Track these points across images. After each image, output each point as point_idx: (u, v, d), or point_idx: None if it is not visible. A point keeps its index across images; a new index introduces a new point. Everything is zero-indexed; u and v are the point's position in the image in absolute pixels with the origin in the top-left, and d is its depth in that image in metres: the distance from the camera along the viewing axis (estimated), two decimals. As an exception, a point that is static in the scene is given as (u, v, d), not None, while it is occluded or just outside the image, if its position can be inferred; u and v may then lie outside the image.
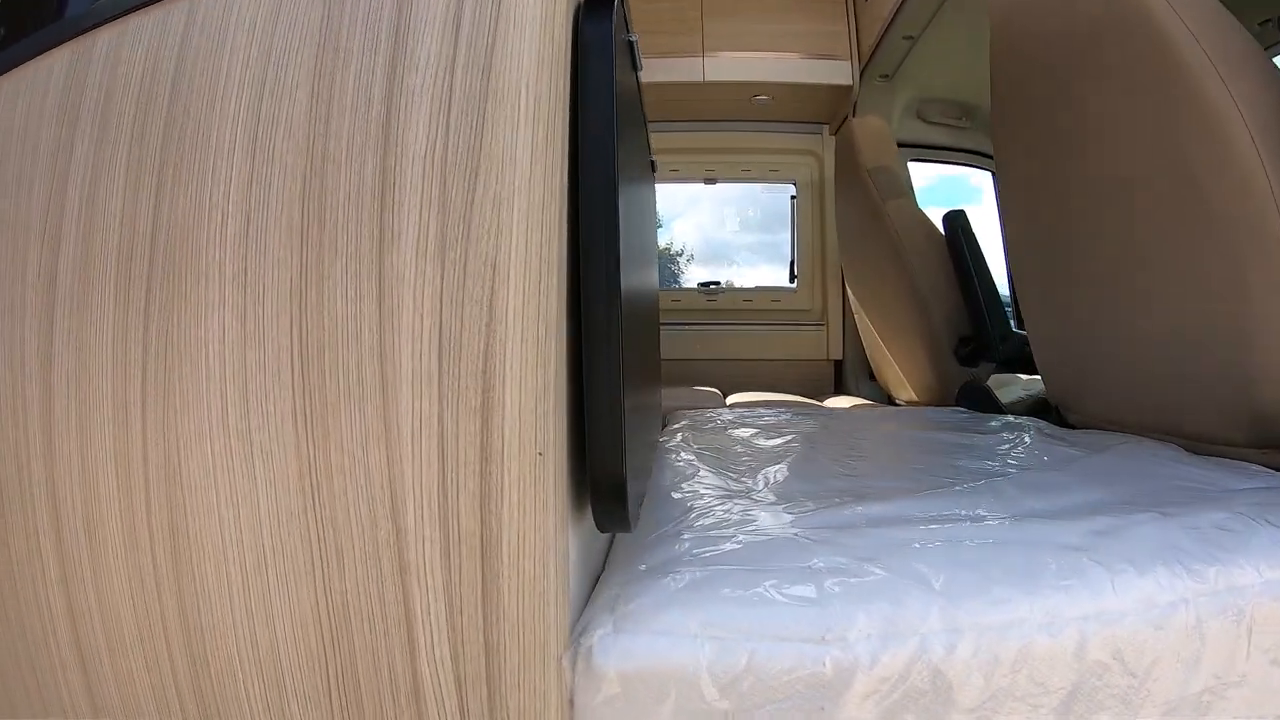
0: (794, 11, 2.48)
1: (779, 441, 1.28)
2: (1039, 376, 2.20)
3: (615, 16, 0.60)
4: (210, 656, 0.61)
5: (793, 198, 2.77)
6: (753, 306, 2.83)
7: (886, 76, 2.45)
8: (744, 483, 0.98)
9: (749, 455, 1.18)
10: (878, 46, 2.31)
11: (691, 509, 0.83)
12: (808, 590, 0.60)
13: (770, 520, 0.78)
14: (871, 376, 2.65)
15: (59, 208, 0.66)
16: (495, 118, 0.52)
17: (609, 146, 0.56)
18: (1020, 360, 1.97)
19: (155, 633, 0.63)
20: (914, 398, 2.29)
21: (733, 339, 2.78)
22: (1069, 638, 0.58)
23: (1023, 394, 2.11)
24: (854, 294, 2.52)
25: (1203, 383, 1.05)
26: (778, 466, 1.05)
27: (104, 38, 0.67)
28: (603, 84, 0.56)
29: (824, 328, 2.76)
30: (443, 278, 0.52)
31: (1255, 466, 0.91)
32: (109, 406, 0.63)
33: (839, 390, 2.77)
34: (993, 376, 2.06)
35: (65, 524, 0.65)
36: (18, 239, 0.69)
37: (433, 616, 0.54)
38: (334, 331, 0.55)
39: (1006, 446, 1.18)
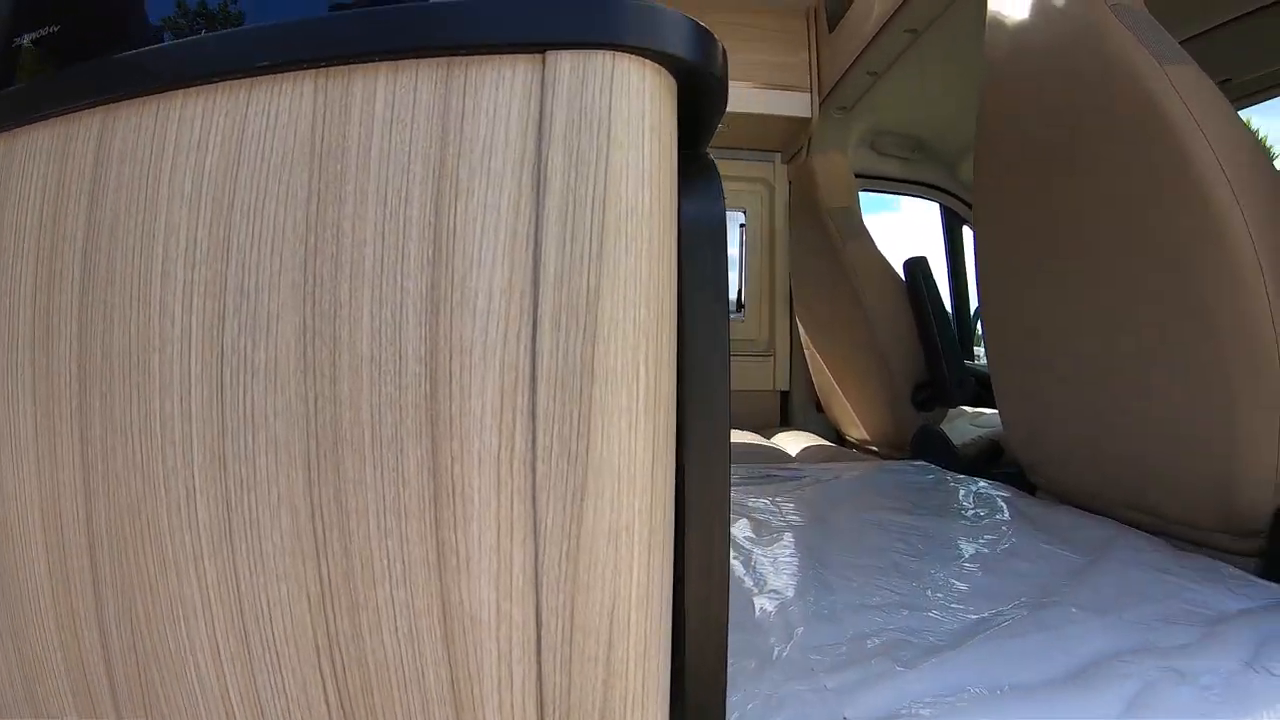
0: (756, 41, 2.36)
1: (774, 550, 1.18)
2: (983, 410, 2.22)
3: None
4: None
5: (742, 225, 2.67)
6: (698, 336, 2.71)
7: (845, 109, 2.37)
8: (761, 626, 0.89)
9: (745, 570, 1.09)
10: (840, 81, 2.22)
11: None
12: None
13: (819, 709, 0.69)
14: (818, 407, 2.60)
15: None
16: (604, 406, 0.36)
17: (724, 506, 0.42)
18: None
19: None
20: (865, 436, 2.25)
21: (677, 368, 2.65)
22: None
23: (973, 432, 2.12)
24: (805, 329, 2.46)
25: (1180, 471, 1.07)
26: (791, 599, 0.96)
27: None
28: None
29: (771, 358, 2.69)
30: (539, 625, 0.37)
31: (1234, 571, 0.94)
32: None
33: (785, 421, 2.71)
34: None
35: None
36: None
37: None
38: (383, 674, 0.39)
39: (1000, 538, 1.15)
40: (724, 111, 0.48)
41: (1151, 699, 0.67)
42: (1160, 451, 1.09)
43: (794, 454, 2.14)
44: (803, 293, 2.43)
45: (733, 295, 2.74)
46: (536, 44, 0.38)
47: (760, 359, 2.68)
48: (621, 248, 0.36)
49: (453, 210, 0.37)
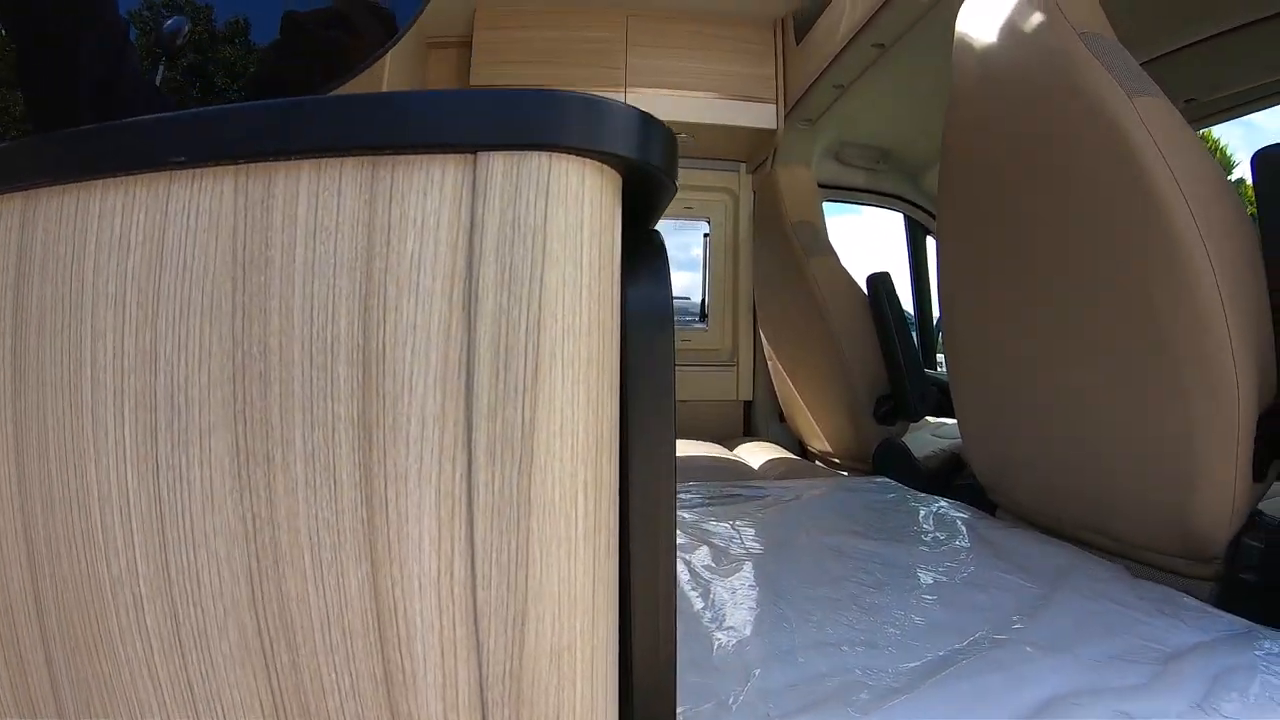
0: (721, 52, 2.37)
1: (733, 581, 1.18)
2: (945, 420, 2.25)
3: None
4: None
5: (706, 235, 2.67)
6: (661, 347, 2.71)
7: (810, 120, 2.37)
8: (718, 666, 0.89)
9: (704, 603, 1.09)
10: (806, 93, 2.22)
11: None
12: None
13: None
14: (781, 418, 2.61)
15: None
16: (541, 536, 0.36)
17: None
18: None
19: None
20: (827, 448, 2.27)
21: (641, 380, 2.66)
22: None
23: (934, 444, 2.15)
24: (767, 339, 2.47)
25: (1138, 496, 1.08)
26: (749, 636, 0.97)
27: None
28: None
29: (734, 368, 2.69)
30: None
31: (1190, 601, 0.95)
32: None
33: (748, 431, 2.72)
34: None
35: None
36: None
37: None
38: None
39: (959, 566, 1.17)
40: (674, 195, 0.47)
41: None
42: (1120, 478, 1.10)
43: (756, 467, 2.15)
44: (766, 304, 2.44)
45: (695, 303, 2.74)
46: (467, 145, 0.37)
47: (724, 369, 2.69)
48: (558, 374, 0.36)
49: (381, 330, 0.36)
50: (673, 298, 0.45)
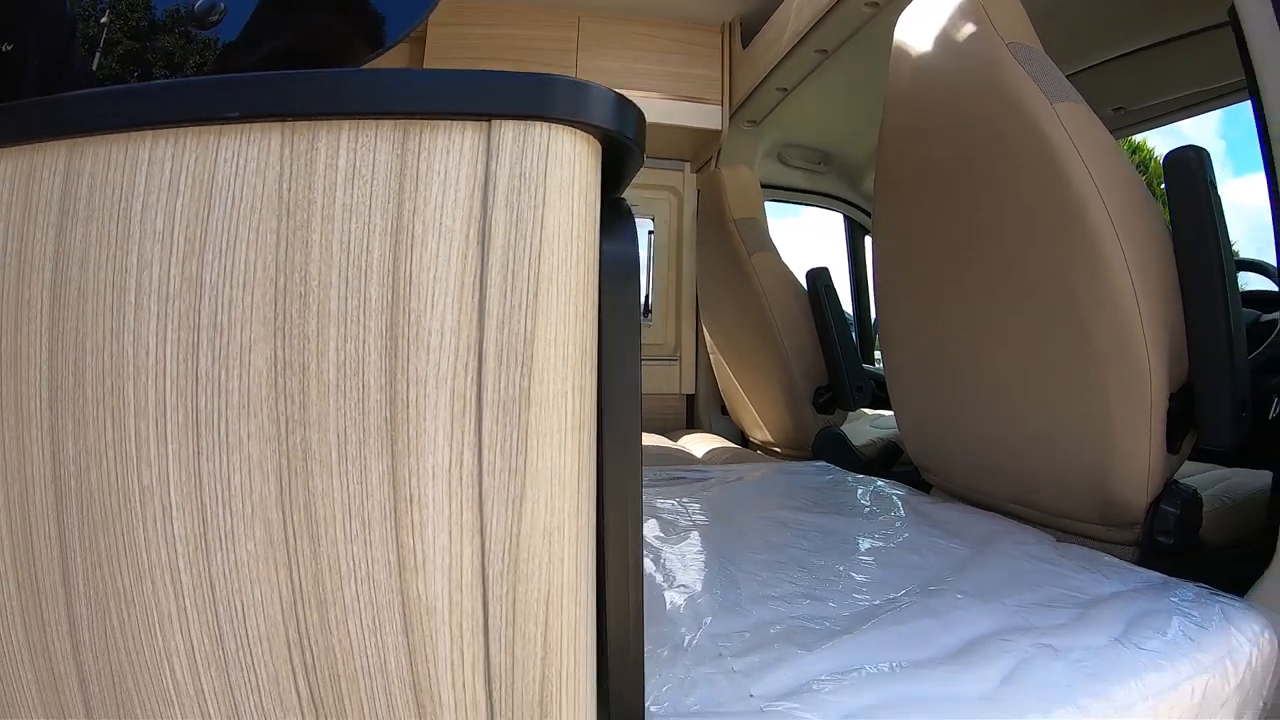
0: (671, 54, 2.45)
1: (682, 548, 1.25)
2: (882, 411, 2.35)
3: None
4: None
5: (650, 233, 2.74)
6: (606, 342, 2.77)
7: (754, 122, 2.47)
8: (672, 618, 0.95)
9: (655, 567, 1.16)
10: (751, 95, 2.31)
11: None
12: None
13: (728, 689, 0.77)
14: (723, 410, 2.70)
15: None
16: (538, 428, 0.43)
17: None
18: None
19: None
20: (768, 438, 2.35)
21: (585, 374, 2.71)
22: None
23: (872, 433, 2.23)
24: (710, 334, 2.54)
25: (1061, 469, 1.16)
26: (699, 592, 1.04)
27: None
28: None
29: (677, 362, 2.77)
30: (486, 612, 0.44)
31: (1110, 559, 1.03)
32: None
33: (690, 423, 2.79)
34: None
35: None
36: None
37: None
38: (349, 662, 0.45)
39: (895, 533, 1.24)
40: (641, 166, 0.55)
41: (1027, 672, 0.75)
42: (1044, 455, 1.19)
43: (700, 455, 2.22)
44: (708, 299, 2.51)
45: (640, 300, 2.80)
46: (483, 114, 0.44)
47: (667, 363, 2.76)
48: (553, 296, 0.44)
49: (409, 259, 0.43)
50: (639, 253, 0.54)
